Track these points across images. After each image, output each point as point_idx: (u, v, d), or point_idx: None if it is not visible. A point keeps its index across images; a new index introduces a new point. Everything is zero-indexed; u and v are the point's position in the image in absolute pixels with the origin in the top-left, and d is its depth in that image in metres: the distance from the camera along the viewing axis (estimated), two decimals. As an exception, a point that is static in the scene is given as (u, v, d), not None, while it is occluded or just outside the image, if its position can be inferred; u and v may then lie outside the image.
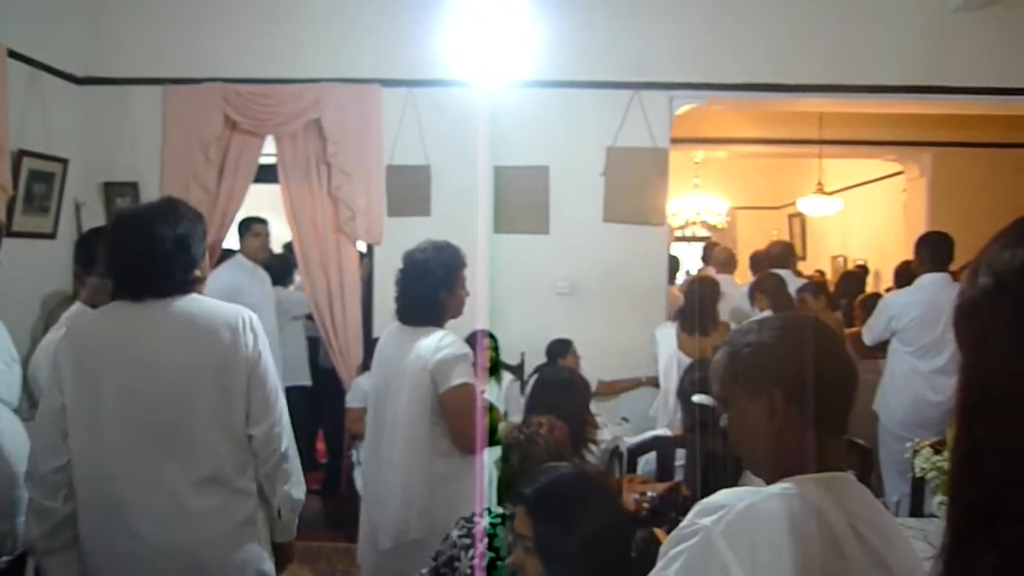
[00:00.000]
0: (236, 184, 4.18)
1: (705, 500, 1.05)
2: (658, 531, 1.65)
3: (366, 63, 4.15)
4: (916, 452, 2.04)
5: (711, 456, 2.31)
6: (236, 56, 4.18)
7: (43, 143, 3.87)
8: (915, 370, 3.56)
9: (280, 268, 4.61)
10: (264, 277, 4.14)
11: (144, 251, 1.73)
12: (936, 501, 2.03)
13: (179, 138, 4.14)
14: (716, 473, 2.41)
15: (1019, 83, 4.14)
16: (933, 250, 3.66)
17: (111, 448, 1.67)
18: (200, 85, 4.12)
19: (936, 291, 3.51)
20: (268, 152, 4.27)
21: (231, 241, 4.39)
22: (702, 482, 2.16)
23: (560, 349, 3.93)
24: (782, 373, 1.09)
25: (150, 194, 4.19)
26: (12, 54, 3.58)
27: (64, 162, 3.99)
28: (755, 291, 4.03)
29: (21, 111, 3.71)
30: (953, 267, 4.77)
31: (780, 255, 4.76)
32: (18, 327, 3.48)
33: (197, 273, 1.81)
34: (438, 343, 2.28)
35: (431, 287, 2.35)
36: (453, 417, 2.26)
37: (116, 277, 1.79)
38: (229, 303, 1.81)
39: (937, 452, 2.01)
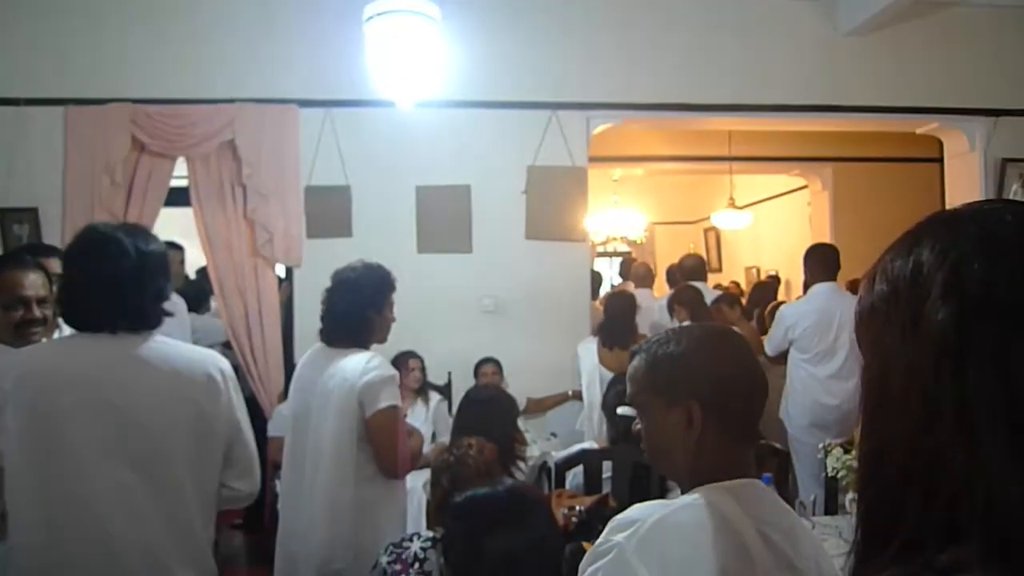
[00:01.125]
0: (145, 208, 4.00)
1: (619, 516, 1.08)
2: (586, 544, 1.67)
3: (282, 83, 4.07)
4: (827, 452, 2.14)
5: (637, 467, 2.36)
6: (144, 75, 4.03)
7: (-72, 168, 3.62)
8: (812, 376, 3.72)
9: (195, 294, 4.43)
10: (179, 304, 3.97)
11: (123, 274, 1.54)
12: (848, 498, 2.13)
13: (83, 161, 3.94)
14: (642, 484, 2.46)
15: (906, 102, 4.46)
16: (820, 261, 3.84)
17: (79, 506, 1.47)
18: (105, 106, 3.94)
19: (827, 299, 3.69)
20: (179, 175, 4.12)
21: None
22: (629, 493, 2.20)
23: (482, 366, 3.95)
24: (700, 385, 1.11)
25: (51, 220, 3.97)
26: None
27: (-47, 188, 3.74)
28: (673, 303, 4.16)
29: (-98, 134, 3.47)
30: (852, 276, 5.08)
31: (693, 268, 4.93)
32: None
33: (166, 306, 1.66)
34: (365, 365, 2.23)
35: (359, 306, 2.30)
36: (380, 441, 2.21)
37: (84, 305, 1.55)
38: (199, 347, 1.72)
39: (846, 452, 2.12)
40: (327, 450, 2.23)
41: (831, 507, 2.71)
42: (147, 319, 1.60)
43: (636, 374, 1.18)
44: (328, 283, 2.44)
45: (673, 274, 5.43)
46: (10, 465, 1.45)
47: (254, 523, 4.53)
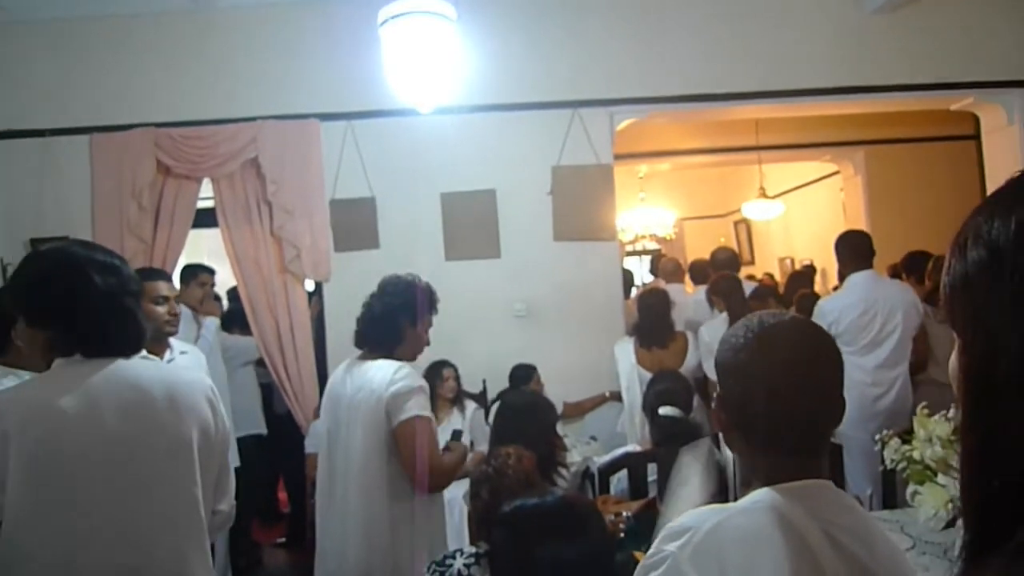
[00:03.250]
0: (173, 231, 4.03)
1: (671, 523, 1.00)
2: (637, 554, 1.59)
3: (303, 98, 4.07)
4: (884, 444, 2.03)
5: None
6: (166, 98, 4.06)
7: (-38, 202, 3.68)
8: (858, 367, 3.57)
9: (233, 315, 4.45)
10: (210, 324, 3.97)
11: (113, 293, 1.47)
12: (909, 491, 2.02)
13: (109, 187, 3.97)
14: (690, 486, 2.37)
15: (936, 78, 4.30)
16: (852, 249, 3.67)
17: (89, 540, 1.39)
18: (129, 131, 3.97)
19: (866, 289, 3.54)
20: (206, 195, 4.14)
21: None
22: (677, 496, 2.12)
23: (523, 375, 3.88)
24: (727, 379, 1.05)
25: (82, 248, 4.00)
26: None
27: (-14, 220, 3.79)
28: (710, 293, 4.03)
29: (-65, 170, 3.52)
30: (891, 260, 4.90)
31: (725, 261, 4.81)
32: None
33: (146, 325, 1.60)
34: (392, 375, 2.18)
35: (394, 313, 2.27)
36: (406, 452, 2.15)
37: (81, 328, 1.46)
38: (188, 369, 1.67)
39: (905, 442, 2.01)
40: (356, 466, 2.18)
41: (889, 501, 2.59)
42: (141, 341, 1.55)
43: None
44: (358, 295, 2.43)
45: (702, 269, 5.30)
46: (13, 506, 1.35)
47: (297, 541, 4.52)
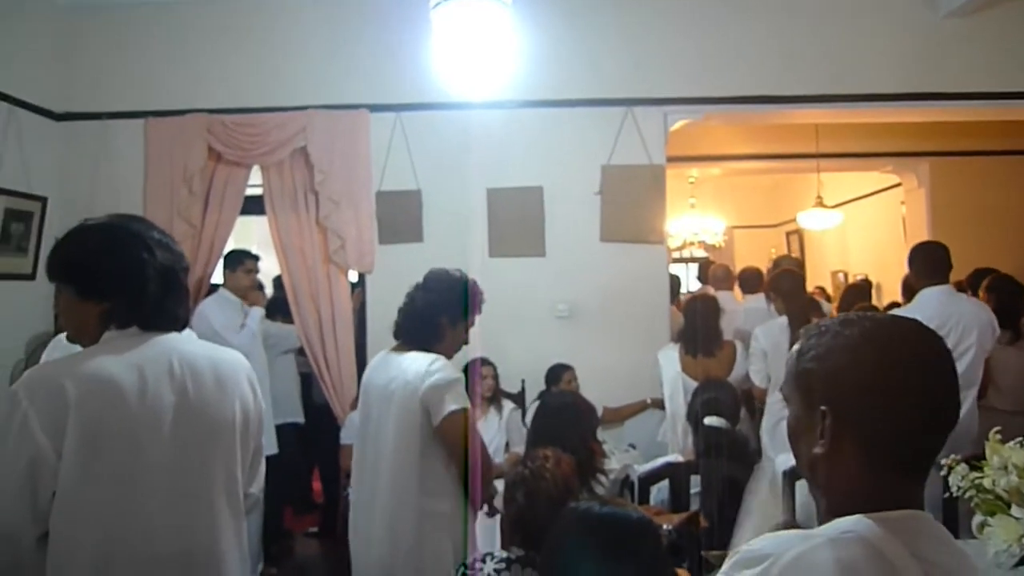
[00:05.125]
0: (222, 217, 4.06)
1: (746, 548, 0.88)
2: (681, 571, 1.50)
3: (353, 88, 4.06)
4: (949, 469, 1.89)
5: (729, 483, 2.16)
6: (219, 85, 4.09)
7: (21, 181, 3.76)
8: None
9: (276, 303, 4.47)
10: (255, 312, 3.99)
11: (170, 268, 1.47)
12: (976, 522, 1.87)
13: (162, 171, 4.03)
14: (736, 501, 2.26)
15: (1012, 87, 4.08)
16: (929, 261, 3.44)
17: (141, 511, 1.39)
18: (183, 116, 4.02)
19: (941, 304, 3.31)
20: (255, 183, 4.16)
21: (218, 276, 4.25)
22: (721, 511, 2.01)
23: (555, 374, 3.80)
24: (835, 391, 0.90)
25: (133, 230, 4.06)
26: (-13, 91, 3.48)
27: (43, 200, 3.88)
28: (769, 291, 3.86)
29: (-4, 148, 3.61)
30: (954, 278, 4.66)
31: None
32: (-4, 372, 3.34)
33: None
34: (428, 367, 2.12)
35: (434, 308, 2.23)
36: (453, 448, 2.10)
37: (141, 301, 1.45)
38: (224, 347, 1.64)
39: (974, 468, 1.87)
40: (387, 459, 2.14)
41: (952, 530, 2.43)
42: (188, 317, 1.55)
43: (788, 359, 0.99)
44: (400, 288, 2.39)
45: (753, 277, 5.11)
46: (66, 475, 1.33)
47: (328, 531, 4.51)
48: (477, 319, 2.36)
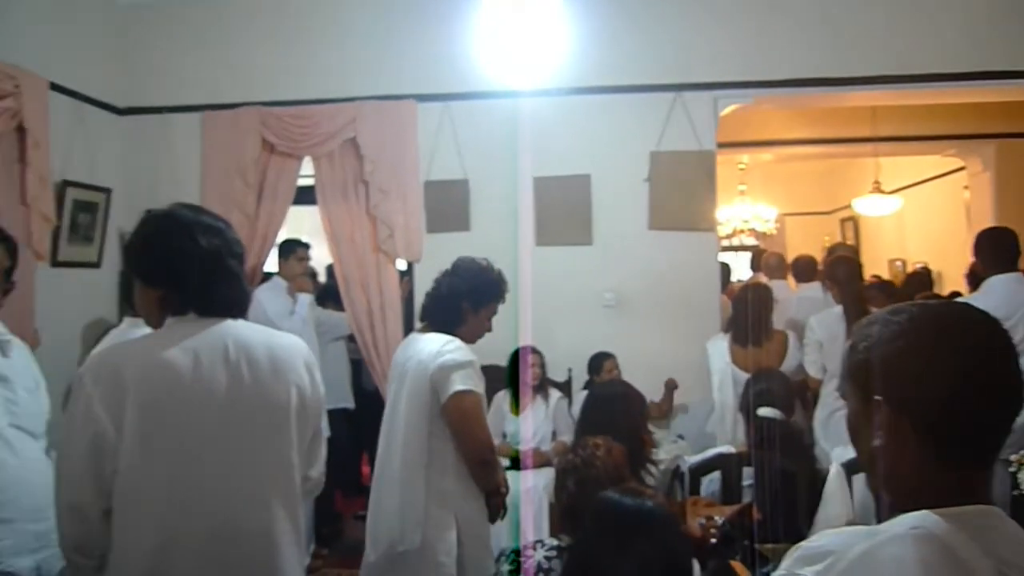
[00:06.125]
0: (275, 207, 4.15)
1: (807, 544, 0.86)
2: (735, 564, 1.48)
3: (401, 79, 4.09)
4: (1020, 466, 1.82)
5: (783, 475, 2.12)
6: (272, 78, 4.17)
7: (87, 173, 3.91)
8: None
9: (328, 291, 4.56)
10: (303, 299, 4.08)
11: (217, 254, 1.50)
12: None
13: (218, 163, 4.14)
14: (790, 494, 2.23)
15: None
16: (996, 248, 3.28)
17: (197, 498, 1.44)
18: (238, 109, 4.12)
19: (1009, 293, 3.17)
20: (307, 173, 4.24)
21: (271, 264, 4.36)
22: (775, 504, 1.98)
23: (597, 363, 3.79)
24: (891, 381, 0.86)
25: (191, 220, 4.19)
26: (55, 87, 3.62)
27: (107, 191, 4.02)
28: (826, 279, 3.75)
29: (65, 143, 3.75)
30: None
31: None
32: (63, 355, 3.49)
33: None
34: (440, 347, 2.19)
35: (457, 294, 2.30)
36: (456, 427, 2.17)
37: (189, 287, 1.49)
38: (285, 333, 1.67)
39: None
40: (399, 435, 2.22)
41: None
42: (246, 302, 1.58)
43: (846, 353, 0.96)
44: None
45: (807, 266, 4.98)
46: (126, 455, 1.39)
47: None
48: (522, 308, 2.40)
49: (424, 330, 2.35)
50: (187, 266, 1.48)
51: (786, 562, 0.86)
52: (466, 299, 2.29)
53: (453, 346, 2.20)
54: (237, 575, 1.46)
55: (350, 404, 4.42)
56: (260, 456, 1.50)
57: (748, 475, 2.47)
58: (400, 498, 2.19)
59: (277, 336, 1.60)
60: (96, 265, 4.00)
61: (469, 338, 2.31)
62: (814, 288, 4.47)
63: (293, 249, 4.15)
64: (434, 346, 2.20)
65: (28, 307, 3.35)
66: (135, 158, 4.25)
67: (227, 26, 4.24)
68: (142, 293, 1.54)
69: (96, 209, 3.96)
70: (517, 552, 1.66)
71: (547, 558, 1.59)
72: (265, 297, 3.82)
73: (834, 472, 2.27)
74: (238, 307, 1.56)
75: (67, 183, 3.74)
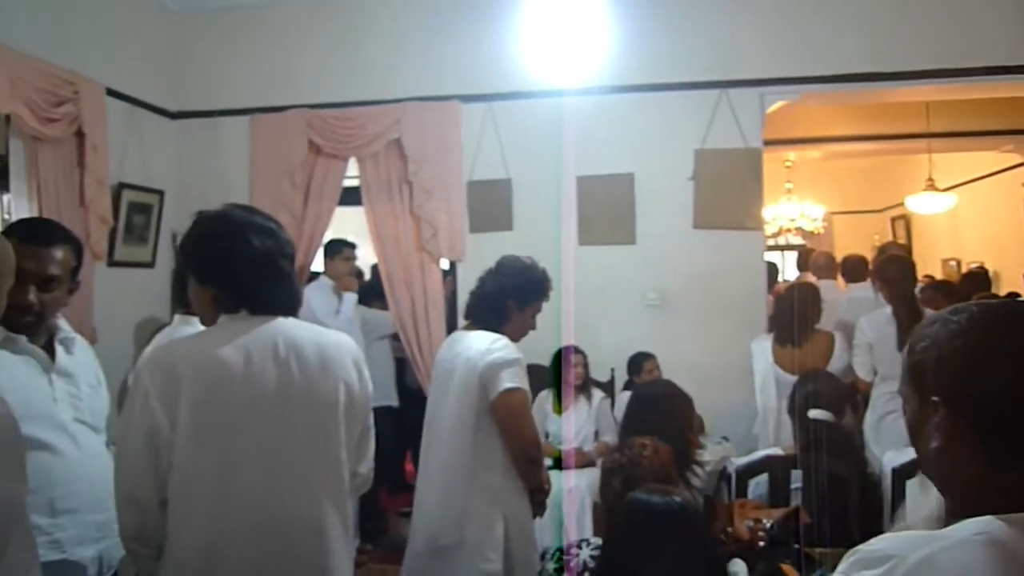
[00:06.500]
0: (322, 208, 4.22)
1: (865, 548, 0.84)
2: (786, 567, 1.45)
3: (444, 80, 4.12)
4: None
5: (833, 478, 2.08)
6: (318, 81, 4.25)
7: (141, 176, 4.03)
8: None
9: (373, 289, 4.62)
10: (348, 298, 4.15)
11: (270, 255, 1.53)
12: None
13: (266, 165, 4.23)
14: (840, 498, 2.18)
15: None
16: None
17: (248, 495, 1.46)
18: (285, 112, 4.20)
19: None
20: (352, 175, 4.30)
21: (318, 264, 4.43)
22: (824, 508, 1.94)
23: (636, 363, 3.76)
24: (949, 382, 0.85)
25: (240, 221, 4.29)
26: (111, 92, 3.74)
27: (161, 193, 4.14)
28: (875, 279, 3.67)
29: (121, 146, 3.87)
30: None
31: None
32: (118, 352, 3.60)
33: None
34: (489, 345, 2.21)
35: (503, 291, 2.32)
36: (504, 424, 2.18)
37: (242, 286, 1.52)
38: (334, 331, 1.70)
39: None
40: (444, 430, 2.24)
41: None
42: (297, 302, 1.60)
43: (904, 353, 0.94)
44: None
45: (857, 265, 4.86)
46: (180, 450, 1.42)
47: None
48: (565, 307, 2.41)
49: (468, 328, 2.38)
50: (241, 267, 1.51)
51: (842, 566, 0.84)
52: (512, 297, 2.31)
53: (501, 344, 2.22)
54: (288, 569, 1.48)
55: (394, 402, 4.48)
56: (309, 452, 1.52)
57: (796, 478, 2.43)
58: (442, 492, 2.22)
59: (326, 334, 1.62)
60: (150, 265, 4.12)
61: (514, 336, 2.32)
62: (864, 288, 4.36)
63: (339, 249, 4.22)
64: (482, 344, 2.22)
65: (87, 306, 3.47)
66: (187, 161, 4.37)
67: (274, 31, 4.32)
68: (197, 291, 1.58)
69: (150, 210, 4.09)
70: (561, 551, 1.66)
71: (592, 557, 1.59)
72: (312, 296, 3.88)
73: (916, 479, 2.21)
74: (289, 306, 1.58)
75: (123, 185, 3.86)
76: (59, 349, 1.76)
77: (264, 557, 1.46)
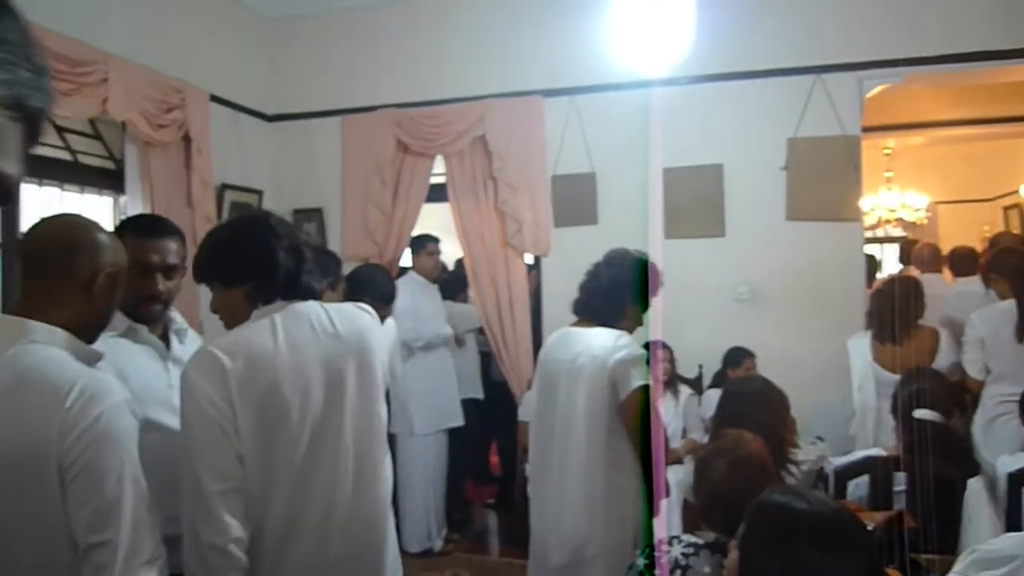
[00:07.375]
0: (409, 204, 4.33)
1: (984, 547, 0.80)
2: (892, 572, 1.39)
3: (527, 75, 4.14)
4: None
5: (942, 482, 1.97)
6: (405, 81, 4.35)
7: (241, 176, 4.24)
8: None
9: (453, 283, 4.71)
10: (435, 292, 4.24)
11: (296, 245, 1.62)
12: None
13: (357, 164, 4.37)
14: (948, 502, 2.06)
15: None
16: None
17: (309, 483, 1.51)
18: (374, 112, 4.32)
19: None
20: (438, 172, 4.39)
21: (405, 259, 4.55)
22: (931, 512, 1.84)
23: (735, 358, 3.65)
24: None
25: (332, 218, 4.46)
26: (214, 98, 3.95)
27: (259, 193, 4.34)
28: (988, 272, 3.43)
29: (223, 149, 4.08)
30: None
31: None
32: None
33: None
34: (615, 343, 2.16)
35: (622, 285, 2.25)
36: (634, 423, 2.12)
37: (278, 273, 1.58)
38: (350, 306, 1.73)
39: None
40: (579, 433, 2.17)
41: None
42: (318, 285, 1.65)
43: None
44: (575, 270, 2.42)
45: (966, 257, 4.55)
46: (249, 455, 1.45)
47: (505, 503, 4.70)
48: (654, 302, 2.34)
49: (582, 324, 2.31)
50: (275, 256, 1.57)
51: (959, 566, 0.80)
52: (630, 291, 2.25)
53: (625, 340, 2.17)
54: (356, 556, 1.58)
55: (480, 395, 4.55)
56: (359, 449, 1.58)
57: (899, 480, 2.31)
58: (587, 496, 2.15)
59: (349, 311, 1.68)
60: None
61: (629, 330, 2.27)
62: (973, 282, 4.09)
63: (424, 244, 4.31)
64: (607, 341, 2.17)
65: (194, 300, 3.68)
66: (283, 161, 4.57)
67: (363, 34, 4.45)
68: (226, 296, 1.61)
69: (250, 209, 4.29)
70: (651, 547, 1.64)
71: (684, 555, 1.56)
72: (404, 290, 3.99)
73: (978, 487, 2.08)
74: (312, 291, 1.64)
75: (225, 186, 4.07)
76: (173, 339, 1.88)
77: (333, 548, 1.52)
